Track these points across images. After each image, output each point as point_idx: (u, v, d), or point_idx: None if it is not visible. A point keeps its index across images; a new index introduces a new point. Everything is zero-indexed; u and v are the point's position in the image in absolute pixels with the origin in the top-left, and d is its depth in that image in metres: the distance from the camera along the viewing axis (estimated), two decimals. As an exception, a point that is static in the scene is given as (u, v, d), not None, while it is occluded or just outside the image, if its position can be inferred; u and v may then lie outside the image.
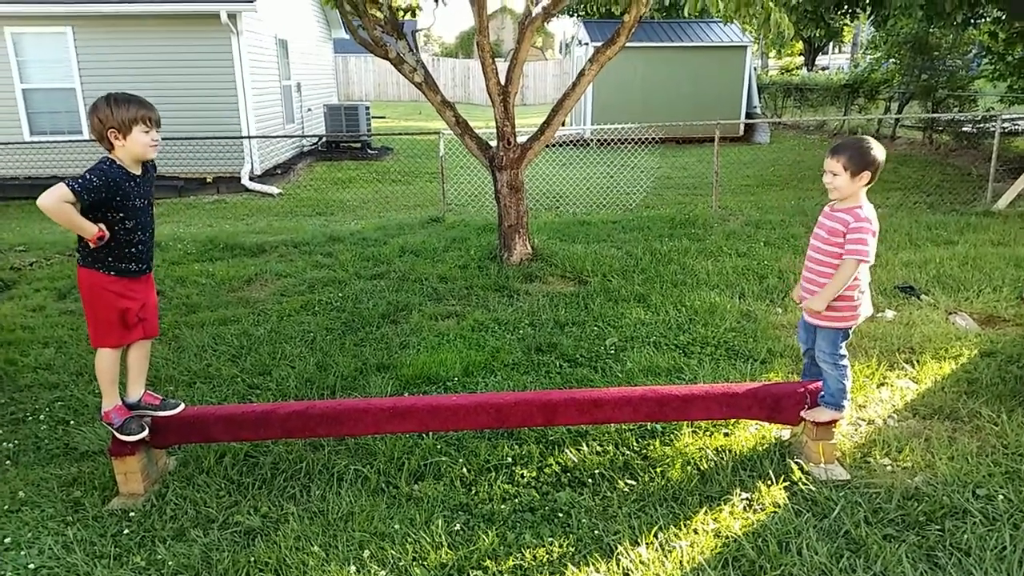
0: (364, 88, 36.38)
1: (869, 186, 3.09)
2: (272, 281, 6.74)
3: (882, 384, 4.21)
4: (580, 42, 19.84)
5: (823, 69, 34.69)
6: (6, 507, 3.20)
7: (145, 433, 3.14)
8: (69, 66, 12.29)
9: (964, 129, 14.35)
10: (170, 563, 2.77)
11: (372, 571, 2.71)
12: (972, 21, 12.93)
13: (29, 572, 2.74)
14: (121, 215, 2.92)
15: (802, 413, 3.31)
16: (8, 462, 3.62)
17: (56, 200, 2.72)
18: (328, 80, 20.24)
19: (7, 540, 2.96)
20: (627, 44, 6.71)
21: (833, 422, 3.27)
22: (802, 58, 36.10)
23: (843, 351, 3.22)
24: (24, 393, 4.40)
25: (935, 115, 14.43)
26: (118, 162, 2.93)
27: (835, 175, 3.03)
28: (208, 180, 12.62)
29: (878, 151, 3.02)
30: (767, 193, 11.41)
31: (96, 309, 3.02)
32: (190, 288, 6.50)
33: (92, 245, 2.89)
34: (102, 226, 2.89)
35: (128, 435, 3.11)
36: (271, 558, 2.78)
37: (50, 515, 3.13)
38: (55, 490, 3.31)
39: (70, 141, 12.13)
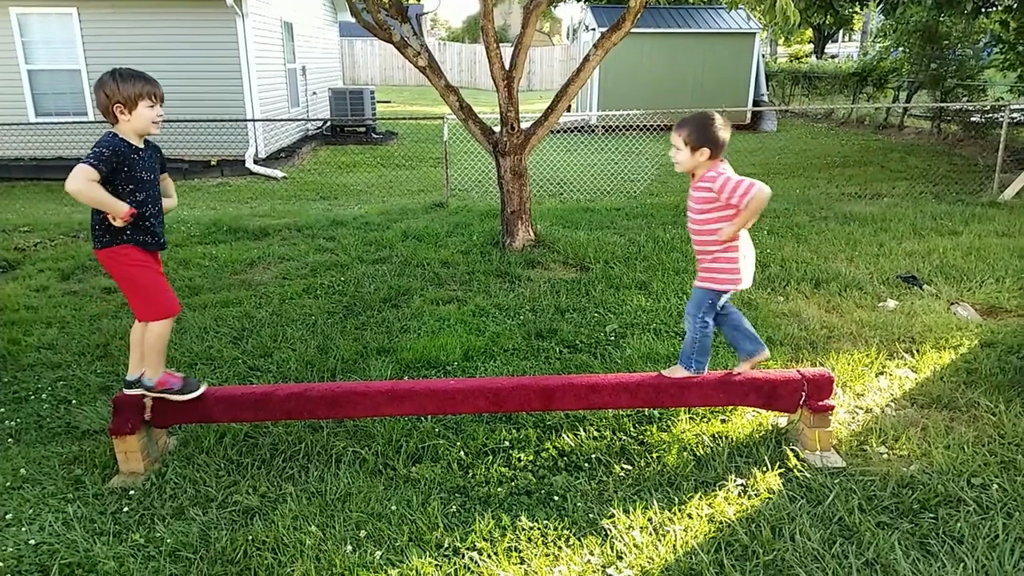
0: (370, 72, 36.25)
1: (719, 160, 3.09)
2: (275, 264, 6.76)
3: (881, 373, 4.22)
4: (587, 27, 19.73)
5: (832, 57, 34.42)
6: (8, 484, 3.23)
7: (204, 387, 3.25)
8: (74, 47, 12.27)
9: (972, 119, 14.26)
10: (169, 540, 2.80)
11: (368, 551, 2.74)
12: (983, 9, 12.81)
13: (30, 548, 2.78)
14: (131, 187, 2.97)
15: (663, 371, 3.36)
16: (10, 440, 3.66)
17: (83, 179, 2.77)
18: (333, 63, 20.18)
19: (8, 516, 2.99)
20: (634, 30, 6.67)
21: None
22: (811, 46, 35.81)
23: (707, 316, 3.22)
24: (27, 372, 4.43)
25: (943, 104, 14.33)
26: (121, 135, 2.98)
27: (677, 149, 3.09)
28: (212, 163, 12.63)
29: (720, 128, 3.04)
30: (772, 181, 11.31)
31: (138, 281, 3.07)
32: (193, 270, 6.53)
33: (122, 222, 2.90)
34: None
35: (192, 392, 3.20)
36: (269, 537, 2.81)
37: (51, 492, 3.16)
38: (56, 468, 3.35)
39: (75, 122, 12.14)
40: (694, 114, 3.14)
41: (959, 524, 2.81)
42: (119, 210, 2.86)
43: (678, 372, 3.35)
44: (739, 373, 3.39)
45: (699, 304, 3.24)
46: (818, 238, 7.25)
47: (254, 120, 11.93)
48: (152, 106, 2.96)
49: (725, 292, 3.20)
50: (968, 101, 14.84)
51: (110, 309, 5.53)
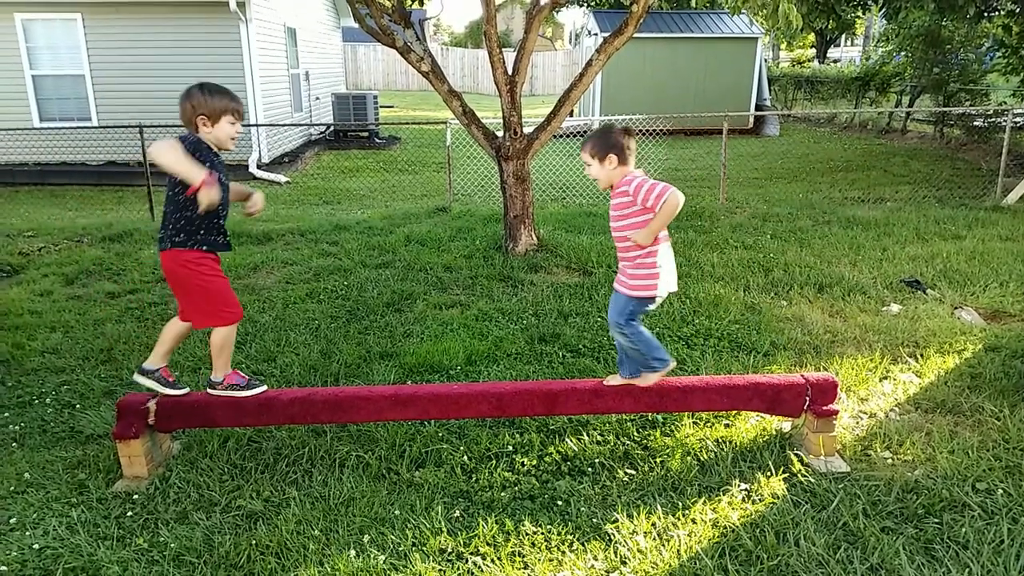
0: (373, 77, 36.32)
1: (629, 167, 3.14)
2: (278, 269, 6.77)
3: (885, 377, 4.21)
4: (590, 32, 19.76)
5: (835, 62, 34.43)
6: (12, 488, 3.23)
7: (264, 386, 3.31)
8: (78, 53, 12.32)
9: (975, 123, 14.24)
10: (172, 545, 2.81)
11: (372, 555, 2.74)
12: (985, 14, 12.80)
13: (34, 552, 2.78)
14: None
15: (635, 380, 3.32)
16: (14, 444, 3.66)
17: (167, 145, 2.82)
18: (337, 69, 20.22)
19: (12, 520, 2.99)
20: (636, 35, 6.68)
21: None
22: (814, 50, 35.83)
23: (635, 322, 3.18)
24: (31, 377, 4.44)
25: (946, 109, 14.30)
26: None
27: (588, 165, 3.17)
28: (216, 168, 12.65)
29: (620, 134, 3.11)
30: (775, 186, 11.37)
31: (209, 290, 3.10)
32: (196, 275, 6.53)
33: (205, 199, 2.83)
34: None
35: (256, 388, 3.27)
36: (272, 541, 2.81)
37: (55, 496, 3.16)
38: (60, 472, 3.35)
39: (79, 128, 12.18)
40: (594, 130, 3.25)
41: (964, 529, 2.80)
42: (196, 176, 2.81)
43: (650, 378, 3.29)
44: (742, 376, 3.38)
45: (621, 311, 3.18)
46: (821, 242, 7.25)
47: (257, 125, 11.96)
48: (233, 123, 3.06)
49: (648, 299, 3.15)
50: (971, 105, 14.82)
51: (114, 313, 5.54)
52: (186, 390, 3.33)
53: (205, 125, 3.00)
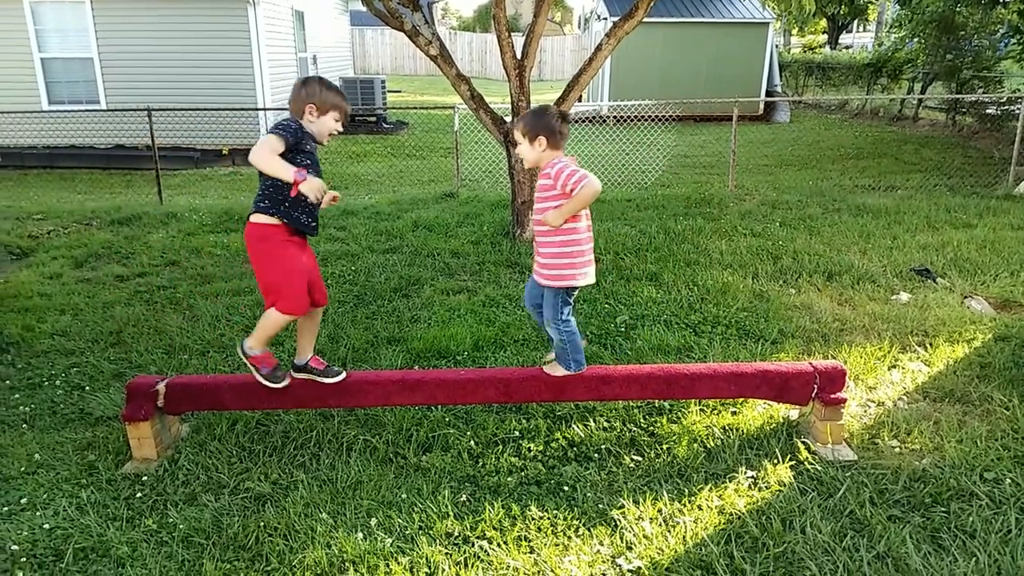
0: (380, 61, 36.18)
1: (560, 151, 3.12)
2: (286, 253, 6.77)
3: (893, 366, 4.19)
4: (599, 16, 19.61)
5: (846, 48, 34.08)
6: (22, 469, 3.26)
7: (287, 382, 3.23)
8: (87, 36, 12.31)
9: (988, 111, 14.08)
10: (181, 526, 2.83)
11: (379, 538, 2.75)
12: (999, 0, 12.63)
13: (44, 532, 2.81)
14: (307, 162, 3.00)
15: (544, 367, 3.32)
16: (24, 425, 3.69)
17: (267, 151, 2.83)
18: (344, 52, 20.15)
19: (23, 501, 3.02)
20: (646, 19, 6.62)
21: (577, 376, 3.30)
22: (825, 36, 35.47)
23: (566, 315, 3.19)
24: (40, 359, 4.47)
25: (959, 96, 14.15)
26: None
27: (519, 144, 3.16)
28: (224, 152, 12.66)
29: (553, 117, 3.10)
30: (785, 173, 11.29)
31: (280, 265, 3.02)
32: (205, 259, 6.56)
33: (293, 192, 2.87)
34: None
35: (275, 383, 3.20)
36: (280, 523, 2.83)
37: (65, 477, 3.19)
38: (70, 454, 3.38)
39: (88, 110, 12.19)
40: (529, 109, 3.20)
41: (971, 518, 2.79)
42: (289, 174, 2.82)
43: (558, 371, 3.30)
44: (750, 364, 3.37)
45: (554, 308, 3.17)
46: (831, 230, 7.20)
47: (265, 109, 11.94)
48: (338, 120, 3.12)
49: (572, 288, 3.15)
50: (984, 93, 14.66)
51: (123, 296, 5.57)
52: (343, 375, 3.30)
53: (312, 114, 3.04)
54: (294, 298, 3.06)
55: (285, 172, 2.82)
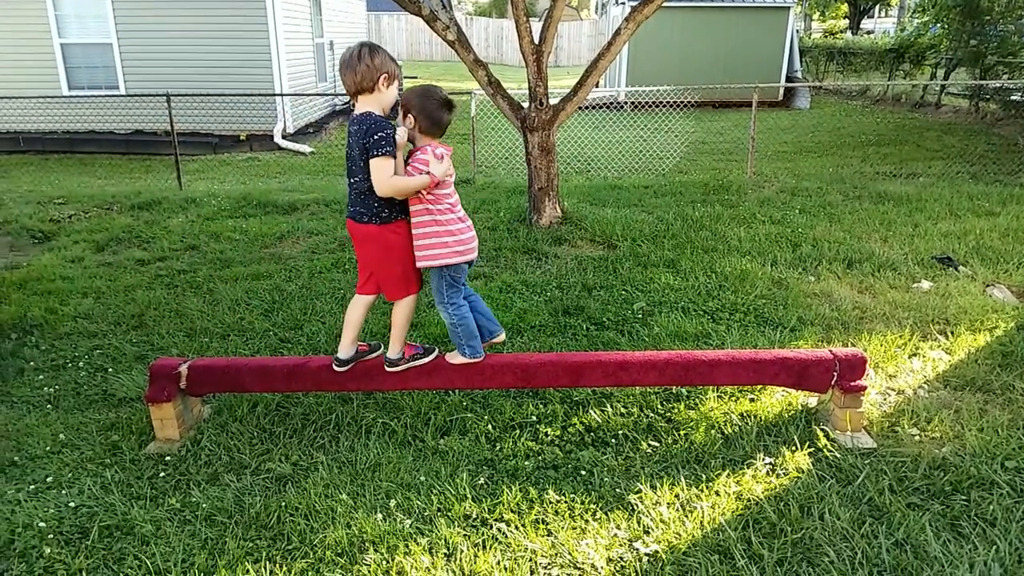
0: (396, 47, 36.08)
1: (430, 137, 3.02)
2: (303, 239, 6.82)
3: (914, 354, 4.16)
4: (617, 1, 19.44)
5: (868, 33, 33.59)
6: (48, 448, 3.32)
7: (434, 355, 3.30)
8: (106, 22, 12.38)
9: (1013, 98, 13.83)
10: (204, 505, 2.87)
11: (398, 520, 2.78)
12: (1028, -17, 12.38)
13: (69, 510, 2.86)
14: (390, 147, 2.91)
15: (446, 356, 3.31)
16: (49, 406, 3.76)
17: (387, 180, 2.83)
18: (361, 38, 20.08)
19: (49, 479, 3.08)
20: (665, 3, 6.55)
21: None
22: (847, 21, 34.97)
23: (452, 298, 3.14)
24: (64, 341, 4.54)
25: (983, 82, 13.91)
26: (375, 113, 2.93)
27: (402, 117, 3.04)
28: (242, 137, 12.71)
29: (434, 99, 2.97)
30: (805, 160, 11.18)
31: (408, 257, 3.07)
32: (224, 243, 6.61)
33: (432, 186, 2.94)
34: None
35: (429, 354, 3.29)
36: (301, 504, 2.86)
37: (89, 457, 3.25)
38: (94, 434, 3.44)
39: (107, 96, 12.28)
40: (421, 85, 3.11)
41: (992, 507, 2.77)
42: (424, 182, 2.88)
43: (457, 358, 3.28)
44: (769, 351, 3.36)
45: (439, 291, 3.14)
46: (851, 217, 7.13)
47: (282, 95, 11.97)
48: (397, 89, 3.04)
49: (451, 267, 3.05)
50: (1009, 79, 14.40)
51: (144, 280, 5.63)
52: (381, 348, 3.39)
53: (383, 85, 2.91)
54: (415, 276, 3.13)
55: (420, 183, 2.86)
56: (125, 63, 12.56)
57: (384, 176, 2.83)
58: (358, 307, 3.23)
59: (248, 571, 2.53)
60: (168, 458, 3.21)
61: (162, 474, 3.11)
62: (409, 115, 2.98)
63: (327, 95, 14.91)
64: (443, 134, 3.07)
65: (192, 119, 11.93)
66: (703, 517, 2.78)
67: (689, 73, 16.96)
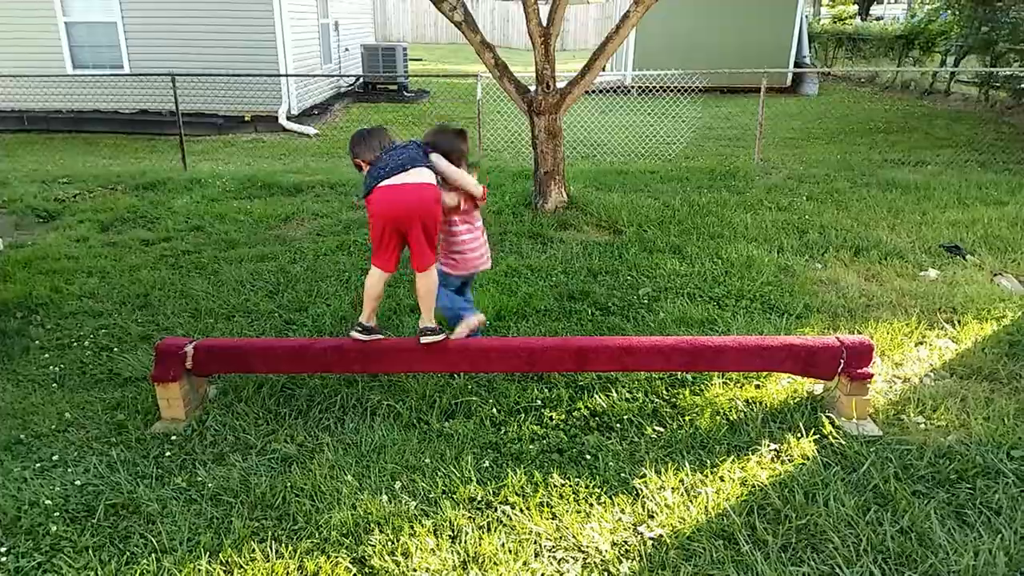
0: (401, 29, 35.84)
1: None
2: (308, 220, 6.80)
3: (921, 343, 4.15)
4: (624, -15, 19.23)
5: (878, 19, 33.25)
6: (53, 427, 3.33)
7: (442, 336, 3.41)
8: (111, 0, 12.28)
9: (1023, 86, 13.71)
10: (210, 485, 2.88)
11: (403, 501, 2.79)
12: (1041, -30, 12.23)
13: (75, 488, 2.87)
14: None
15: (449, 336, 3.37)
16: (55, 385, 3.76)
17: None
18: (366, 19, 19.96)
19: (55, 458, 3.09)
20: (674, -14, 6.47)
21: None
22: (856, 7, 34.62)
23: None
24: (69, 320, 4.54)
25: (993, 70, 13.78)
26: None
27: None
28: (246, 118, 12.65)
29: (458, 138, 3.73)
30: (812, 146, 11.10)
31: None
32: (229, 225, 6.59)
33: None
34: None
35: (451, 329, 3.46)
36: (307, 484, 2.87)
37: (95, 436, 3.26)
38: (100, 413, 3.44)
39: (112, 75, 12.22)
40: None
41: (997, 495, 2.77)
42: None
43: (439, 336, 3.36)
44: (775, 337, 3.35)
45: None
46: (859, 205, 7.09)
47: (287, 75, 11.89)
48: None
49: (450, 275, 3.57)
50: (1020, 67, 14.26)
51: (149, 260, 5.62)
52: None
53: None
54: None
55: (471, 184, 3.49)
56: (130, 42, 12.48)
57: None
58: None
59: (254, 550, 2.54)
60: (174, 438, 3.22)
61: (168, 453, 3.12)
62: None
63: (332, 76, 14.81)
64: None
65: (197, 99, 11.86)
66: (708, 502, 2.78)
67: (696, 58, 16.80)
